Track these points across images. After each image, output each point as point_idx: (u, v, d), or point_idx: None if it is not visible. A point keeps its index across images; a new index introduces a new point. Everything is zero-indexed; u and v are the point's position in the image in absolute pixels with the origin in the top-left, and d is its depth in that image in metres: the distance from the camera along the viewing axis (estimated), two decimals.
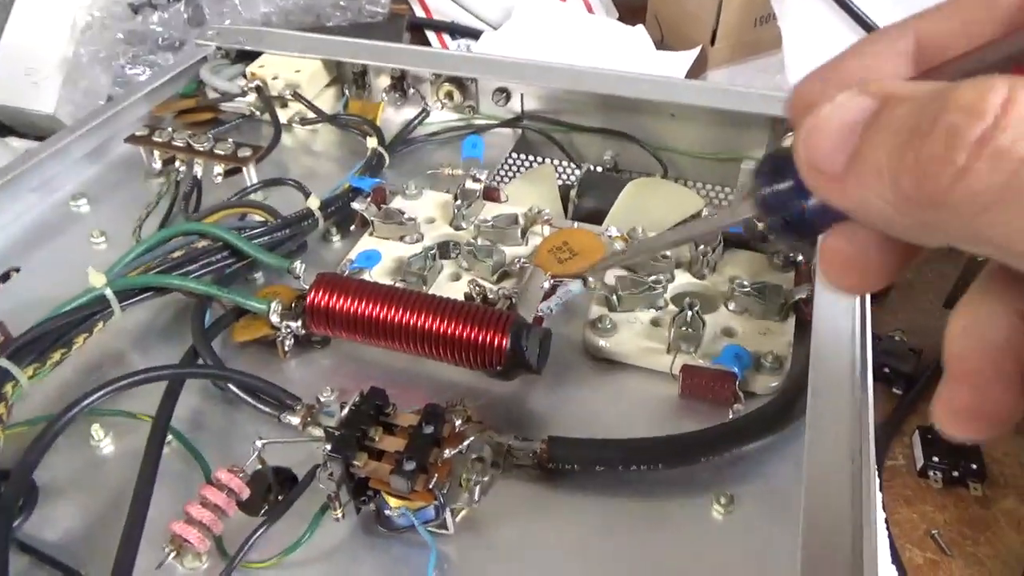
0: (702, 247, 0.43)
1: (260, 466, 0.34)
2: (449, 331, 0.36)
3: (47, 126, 1.03)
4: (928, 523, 0.60)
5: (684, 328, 0.39)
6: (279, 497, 0.35)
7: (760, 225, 0.45)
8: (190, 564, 0.32)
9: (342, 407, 0.32)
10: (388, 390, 0.33)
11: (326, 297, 0.39)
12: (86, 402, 0.34)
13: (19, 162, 0.53)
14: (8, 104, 0.99)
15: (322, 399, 0.39)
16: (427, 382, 0.40)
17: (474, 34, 1.20)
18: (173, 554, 0.31)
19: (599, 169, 0.59)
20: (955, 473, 0.62)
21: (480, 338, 0.36)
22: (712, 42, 1.03)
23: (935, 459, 0.62)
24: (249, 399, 0.38)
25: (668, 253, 0.43)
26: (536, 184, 0.54)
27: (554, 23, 1.16)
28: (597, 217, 0.52)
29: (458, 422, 0.32)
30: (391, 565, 0.33)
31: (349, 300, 0.38)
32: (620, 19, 1.19)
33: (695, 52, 1.04)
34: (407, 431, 0.32)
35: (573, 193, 0.55)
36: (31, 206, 0.53)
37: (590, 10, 1.21)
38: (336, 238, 0.50)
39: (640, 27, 1.11)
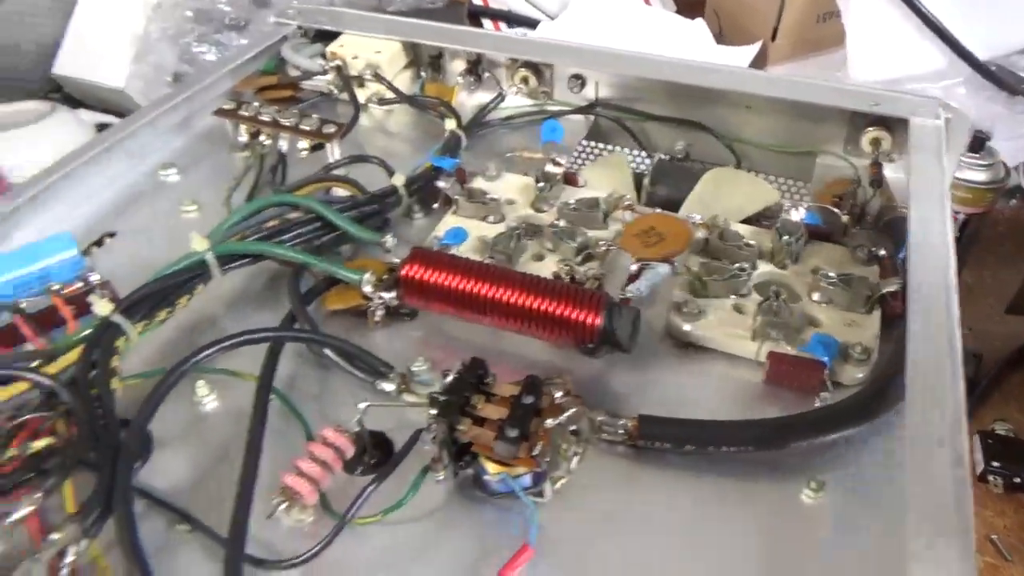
0: (786, 236, 0.44)
1: (359, 428, 0.36)
2: (544, 308, 0.37)
3: (116, 100, 1.05)
4: (988, 528, 0.60)
5: (771, 315, 0.39)
6: (371, 460, 0.36)
7: (844, 217, 0.46)
8: (297, 516, 0.33)
9: (444, 375, 0.34)
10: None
11: (421, 270, 0.40)
12: (198, 357, 0.36)
13: (113, 132, 0.55)
14: (81, 78, 1.02)
15: (414, 368, 0.40)
16: (510, 358, 0.41)
17: (531, 23, 1.21)
18: (283, 505, 0.32)
19: (669, 159, 0.59)
20: (1016, 479, 0.61)
21: (575, 316, 0.37)
22: (773, 38, 1.03)
23: (995, 464, 0.62)
24: (345, 365, 0.39)
25: (752, 241, 0.44)
26: (611, 170, 0.55)
27: (612, 14, 1.16)
28: (669, 205, 0.53)
29: (558, 394, 0.33)
30: (484, 528, 0.34)
31: (444, 274, 0.39)
32: (678, 12, 1.19)
33: (756, 47, 1.03)
34: (507, 400, 0.33)
35: (646, 181, 0.55)
36: (123, 174, 0.55)
37: (648, 2, 1.20)
38: (419, 215, 0.51)
39: (700, 20, 1.11)
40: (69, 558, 0.29)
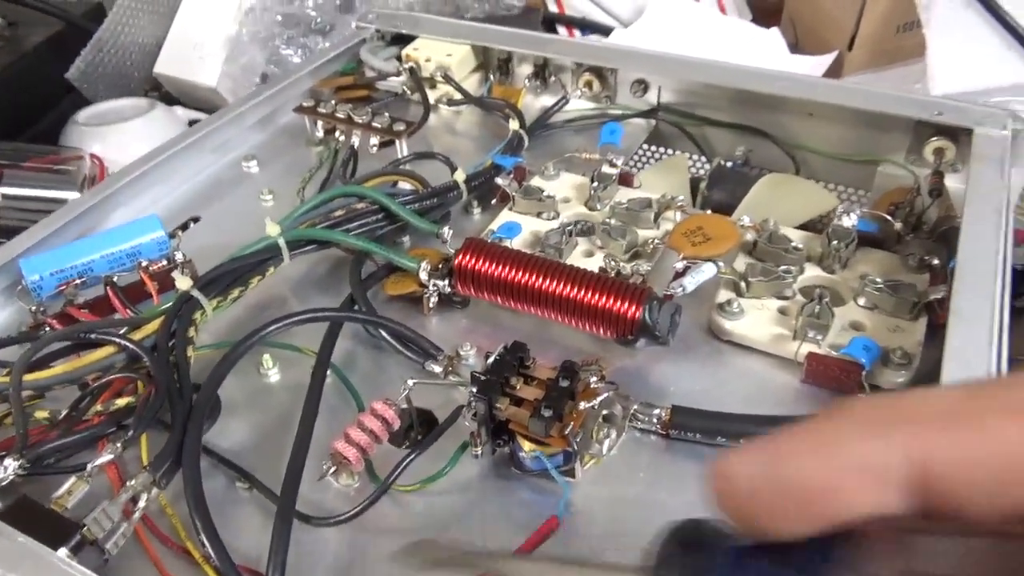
0: (835, 241, 0.44)
1: (406, 405, 0.38)
2: (587, 298, 0.39)
3: (208, 98, 1.12)
4: None
5: (812, 316, 0.40)
6: (418, 435, 0.39)
7: (898, 225, 0.46)
8: (344, 481, 0.36)
9: (487, 357, 0.36)
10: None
11: (473, 260, 0.42)
12: (264, 332, 0.39)
13: (202, 127, 0.60)
14: (178, 76, 1.09)
15: (461, 352, 0.42)
16: (553, 346, 0.43)
17: (604, 31, 1.22)
18: (332, 470, 0.35)
19: (729, 164, 0.60)
20: None
21: (616, 307, 0.38)
22: (850, 47, 1.01)
23: None
24: (398, 346, 0.42)
25: (800, 245, 0.44)
26: (669, 173, 0.56)
27: (686, 22, 1.16)
28: (725, 210, 0.53)
29: (593, 379, 0.34)
30: (516, 505, 0.36)
31: (494, 264, 0.42)
32: (754, 21, 1.18)
33: (831, 57, 1.02)
34: (545, 383, 0.35)
35: (703, 186, 0.56)
36: (209, 164, 0.60)
37: (723, 11, 1.20)
38: (477, 210, 0.54)
39: (775, 30, 1.10)
40: (141, 504, 0.32)
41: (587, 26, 1.24)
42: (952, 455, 0.13)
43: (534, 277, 0.40)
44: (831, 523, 0.14)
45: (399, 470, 0.34)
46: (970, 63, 0.90)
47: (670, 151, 0.64)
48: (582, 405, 0.33)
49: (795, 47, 1.10)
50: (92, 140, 0.74)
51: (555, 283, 0.40)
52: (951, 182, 0.51)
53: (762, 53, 1.06)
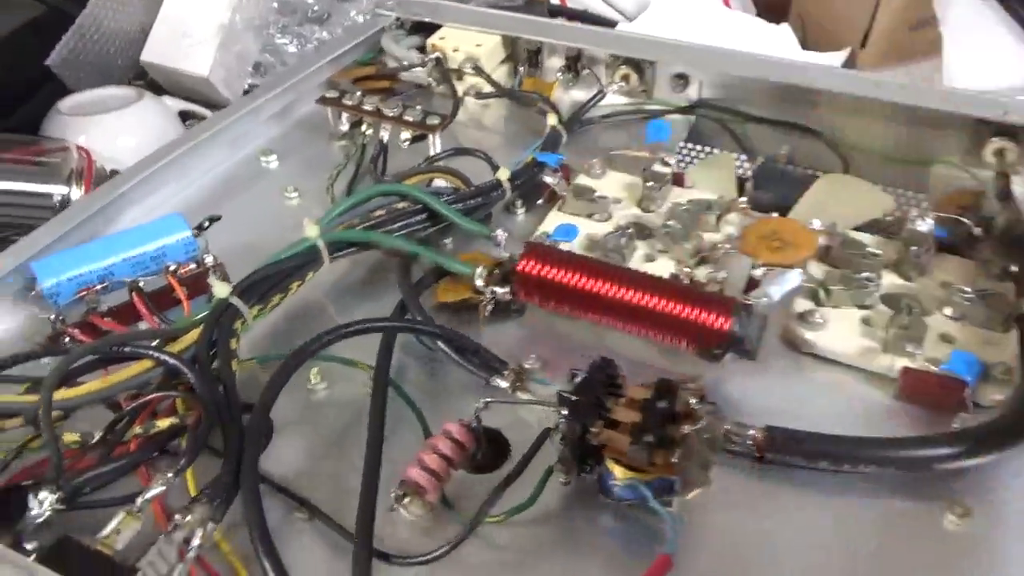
0: (913, 247, 0.42)
1: (476, 424, 0.35)
2: (671, 309, 0.36)
3: (198, 89, 1.06)
4: None
5: (903, 328, 0.37)
6: (483, 457, 0.35)
7: (977, 230, 0.43)
8: (415, 511, 0.32)
9: (572, 375, 0.32)
10: (580, 362, 0.33)
11: (538, 265, 0.39)
12: (320, 344, 0.36)
13: (218, 119, 0.56)
14: (167, 65, 1.03)
15: (526, 366, 0.39)
16: (613, 358, 0.40)
17: (609, 24, 1.19)
18: (405, 499, 0.32)
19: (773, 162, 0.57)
20: None
21: (703, 319, 0.35)
22: (863, 44, 1.00)
23: None
24: (459, 359, 0.39)
25: (877, 251, 0.42)
26: (716, 172, 0.53)
27: (692, 16, 1.14)
28: (773, 210, 0.51)
29: (693, 400, 0.31)
30: (606, 536, 0.33)
31: (563, 271, 0.38)
32: (758, 16, 1.16)
33: (844, 54, 1.00)
34: (639, 403, 0.32)
35: (749, 185, 0.54)
36: (224, 159, 0.56)
37: (727, 4, 1.18)
38: (521, 211, 0.51)
39: (785, 26, 1.08)
40: (196, 541, 0.29)
41: (590, 19, 1.22)
42: None
43: (609, 285, 0.37)
44: None
45: (490, 503, 0.31)
46: (987, 61, 0.89)
47: (707, 148, 0.61)
48: (686, 429, 0.30)
49: (804, 44, 1.09)
50: (77, 131, 0.69)
51: (634, 292, 0.37)
52: (1015, 186, 0.49)
53: (773, 49, 1.04)
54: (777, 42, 1.06)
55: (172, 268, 0.41)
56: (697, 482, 0.31)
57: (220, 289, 0.38)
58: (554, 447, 0.32)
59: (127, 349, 0.34)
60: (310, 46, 1.08)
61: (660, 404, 0.31)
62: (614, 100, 0.62)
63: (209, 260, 0.42)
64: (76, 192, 0.60)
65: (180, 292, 0.40)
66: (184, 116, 0.90)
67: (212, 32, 1.05)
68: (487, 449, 0.36)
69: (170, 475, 0.30)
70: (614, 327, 0.39)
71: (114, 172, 0.62)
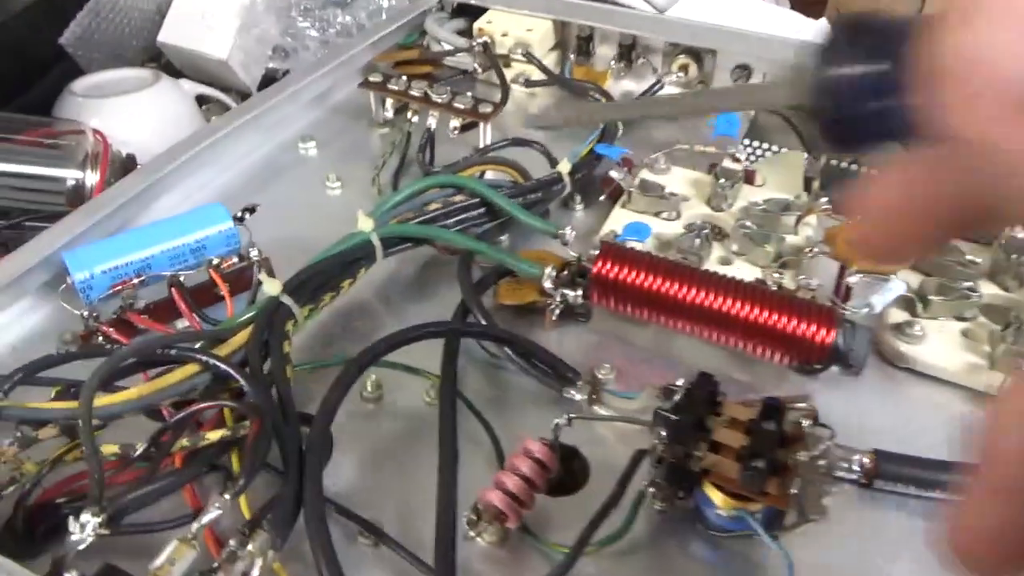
0: (1014, 255, 0.39)
1: (553, 441, 0.32)
2: (766, 319, 0.33)
3: (216, 72, 1.03)
4: None
5: (1013, 343, 0.34)
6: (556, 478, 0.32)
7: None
8: (490, 537, 0.29)
9: (668, 392, 0.29)
10: (652, 372, 0.30)
11: (616, 268, 0.36)
12: (385, 350, 0.33)
13: (257, 102, 0.53)
14: (185, 46, 1.00)
15: (600, 376, 0.36)
16: (680, 366, 0.37)
17: None
18: (482, 525, 0.28)
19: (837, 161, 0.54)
20: None
21: (805, 330, 0.32)
22: None
23: None
24: (529, 368, 0.35)
25: (978, 260, 0.39)
26: (785, 170, 0.50)
27: (725, 9, 1.11)
28: (841, 212, 0.48)
29: (805, 422, 0.28)
30: (706, 570, 0.30)
31: (644, 274, 0.35)
32: (793, 9, 1.13)
33: None
34: (744, 424, 0.29)
35: (815, 185, 0.51)
36: (260, 145, 0.53)
37: None
38: (580, 206, 0.47)
39: (823, 20, 1.05)
40: (255, 572, 0.26)
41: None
42: None
43: (697, 291, 0.34)
44: None
45: (589, 532, 0.28)
46: None
47: (766, 144, 0.58)
48: (802, 455, 0.27)
49: None
50: (91, 113, 0.65)
51: (726, 299, 0.34)
52: None
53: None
54: (815, 38, 1.03)
55: (215, 262, 0.38)
56: (812, 513, 0.28)
57: (271, 286, 0.35)
58: (649, 470, 0.29)
59: (173, 352, 0.31)
60: (332, 30, 1.04)
61: (767, 425, 0.28)
62: (668, 91, 0.58)
63: (254, 254, 0.39)
64: (91, 177, 0.56)
65: (223, 288, 0.37)
66: (201, 100, 0.86)
67: (232, 13, 1.01)
68: (561, 468, 0.33)
69: (227, 497, 0.27)
70: (695, 335, 0.36)
71: (130, 157, 0.59)
